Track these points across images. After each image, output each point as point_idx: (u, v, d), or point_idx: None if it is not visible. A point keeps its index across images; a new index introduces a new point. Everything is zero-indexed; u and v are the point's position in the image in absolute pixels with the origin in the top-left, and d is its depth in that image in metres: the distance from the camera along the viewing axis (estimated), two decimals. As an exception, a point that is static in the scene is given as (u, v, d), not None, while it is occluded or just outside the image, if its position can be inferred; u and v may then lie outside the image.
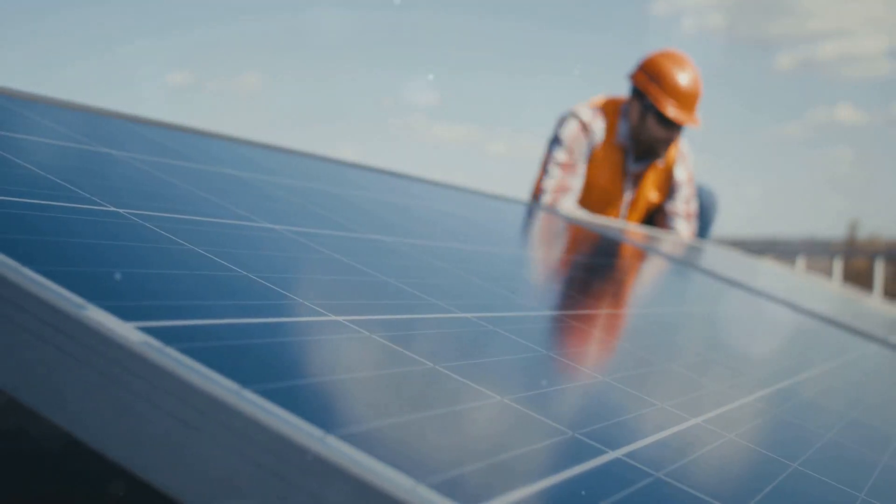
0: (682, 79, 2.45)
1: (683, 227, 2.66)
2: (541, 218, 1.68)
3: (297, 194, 0.82)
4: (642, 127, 2.47)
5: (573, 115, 2.49)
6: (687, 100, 2.47)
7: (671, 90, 2.45)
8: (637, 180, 2.59)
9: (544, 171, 2.54)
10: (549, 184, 2.45)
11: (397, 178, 1.29)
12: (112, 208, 0.54)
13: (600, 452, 0.40)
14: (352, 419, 0.34)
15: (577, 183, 2.48)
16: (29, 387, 0.35)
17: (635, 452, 0.42)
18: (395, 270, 0.65)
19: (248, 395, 0.33)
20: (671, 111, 2.45)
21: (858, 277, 8.01)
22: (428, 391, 0.41)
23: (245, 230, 0.61)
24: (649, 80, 2.45)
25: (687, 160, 2.64)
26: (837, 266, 4.92)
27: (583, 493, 0.35)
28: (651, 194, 2.62)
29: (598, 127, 2.48)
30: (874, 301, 3.11)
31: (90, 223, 0.49)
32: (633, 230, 2.08)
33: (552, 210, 1.94)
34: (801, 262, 5.03)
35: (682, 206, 2.65)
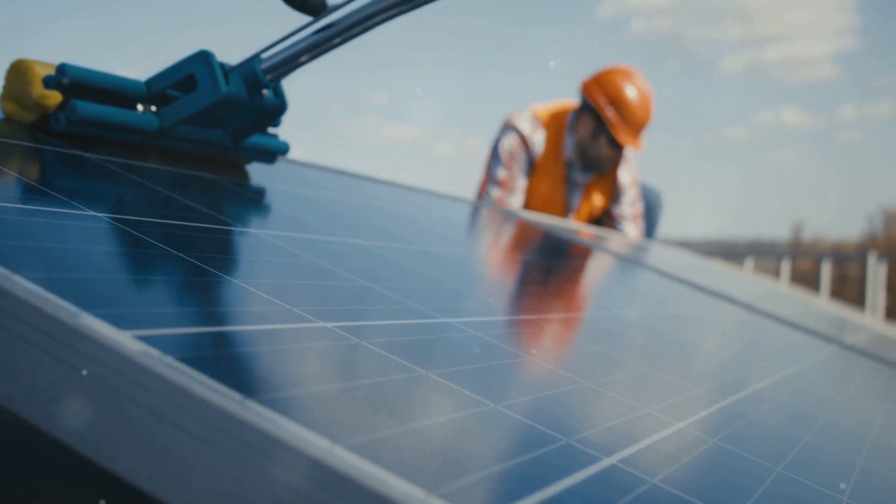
0: (641, 108, 2.47)
1: (631, 230, 2.68)
2: (491, 216, 1.69)
3: (265, 195, 0.81)
4: (592, 144, 2.48)
5: (513, 128, 2.47)
6: (641, 127, 2.49)
7: (629, 118, 2.46)
8: (583, 189, 2.61)
9: (485, 185, 2.53)
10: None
11: (358, 179, 1.28)
12: (90, 212, 0.53)
13: (596, 459, 0.41)
14: (359, 428, 0.34)
15: (517, 200, 2.49)
16: (25, 397, 0.34)
17: (633, 459, 0.43)
18: (378, 274, 0.64)
19: (254, 405, 0.32)
20: (626, 139, 2.47)
21: (804, 278, 8.16)
22: (424, 399, 0.41)
23: (220, 234, 0.60)
24: (608, 103, 2.45)
25: (630, 163, 2.66)
26: (785, 267, 5.00)
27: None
28: (596, 200, 2.64)
29: (539, 140, 2.47)
30: (822, 302, 3.17)
31: (71, 228, 0.48)
32: (585, 231, 2.10)
33: (504, 209, 1.95)
34: (749, 264, 5.11)
35: (629, 209, 2.67)
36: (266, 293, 0.49)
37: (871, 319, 3.18)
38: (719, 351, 0.99)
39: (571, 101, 2.59)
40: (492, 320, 0.64)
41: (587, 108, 2.48)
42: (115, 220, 0.52)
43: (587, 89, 2.49)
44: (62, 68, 0.65)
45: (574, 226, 2.13)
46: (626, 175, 2.62)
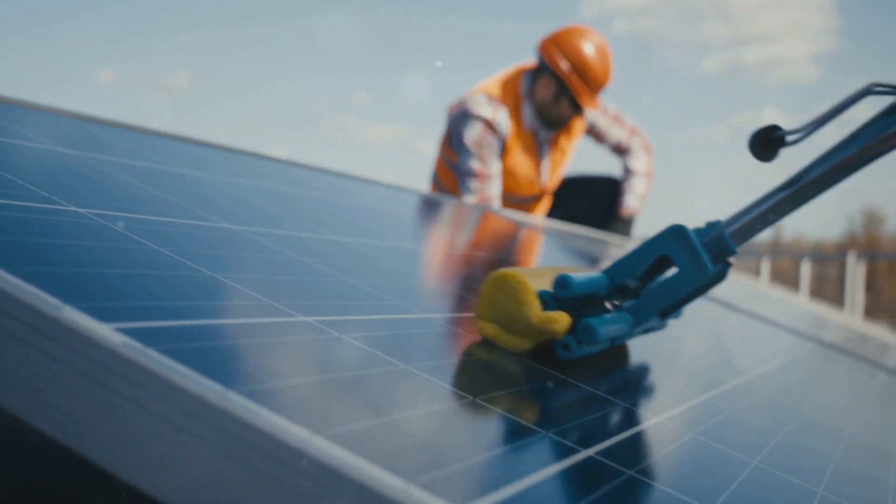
0: (601, 70, 2.44)
1: (639, 153, 2.67)
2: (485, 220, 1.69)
3: (249, 193, 0.82)
4: (553, 106, 2.44)
5: (473, 115, 2.39)
6: (601, 88, 2.48)
7: (591, 81, 2.43)
8: (549, 145, 2.55)
9: (446, 175, 2.48)
10: (470, 199, 2.38)
11: (344, 178, 1.29)
12: (72, 208, 0.53)
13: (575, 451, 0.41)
14: (339, 419, 0.34)
15: (496, 188, 2.44)
16: (8, 390, 0.34)
17: (612, 451, 0.43)
18: (357, 271, 0.65)
19: (235, 396, 0.33)
20: (588, 102, 2.45)
21: (783, 277, 8.22)
22: (403, 391, 0.42)
23: (204, 230, 0.60)
24: (571, 70, 2.41)
25: (605, 108, 2.64)
26: (765, 266, 5.04)
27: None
28: (564, 145, 2.60)
29: (503, 119, 2.41)
30: (802, 300, 3.20)
31: (53, 223, 0.48)
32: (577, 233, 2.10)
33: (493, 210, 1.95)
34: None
35: (624, 134, 2.66)
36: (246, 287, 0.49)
37: (850, 318, 3.21)
38: (701, 349, 1.00)
39: (507, 67, 2.54)
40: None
41: (546, 70, 2.43)
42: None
43: (546, 51, 2.44)
44: (565, 282, 0.54)
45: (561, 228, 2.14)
46: (602, 119, 2.60)
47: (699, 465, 0.47)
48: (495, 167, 2.44)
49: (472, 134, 2.40)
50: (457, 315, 0.63)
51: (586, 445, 0.42)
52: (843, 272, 4.75)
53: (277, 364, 0.39)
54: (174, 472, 0.31)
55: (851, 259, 4.68)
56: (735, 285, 2.31)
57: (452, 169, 2.51)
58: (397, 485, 0.30)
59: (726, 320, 1.32)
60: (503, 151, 2.47)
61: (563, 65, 2.40)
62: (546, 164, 2.57)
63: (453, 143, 2.47)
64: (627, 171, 2.69)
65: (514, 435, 0.41)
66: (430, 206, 1.53)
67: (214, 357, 0.36)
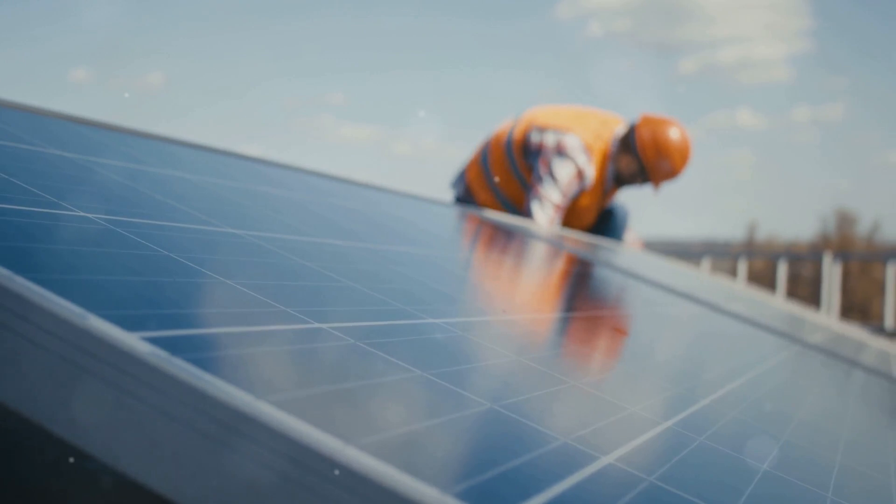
0: (681, 167, 2.74)
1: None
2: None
3: (248, 197, 0.81)
4: (628, 178, 2.76)
5: (569, 157, 2.65)
6: (673, 178, 2.77)
7: (669, 175, 2.74)
8: (611, 194, 2.88)
9: (534, 199, 2.67)
10: (544, 220, 2.62)
11: (331, 180, 1.28)
12: (81, 213, 0.52)
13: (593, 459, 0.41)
14: (368, 428, 0.34)
15: (559, 220, 2.74)
16: (32, 399, 0.34)
17: (629, 458, 0.43)
18: (368, 277, 0.65)
19: (265, 405, 0.32)
20: (660, 186, 2.77)
21: (759, 278, 8.27)
22: (429, 399, 0.42)
23: (211, 235, 0.60)
24: (659, 159, 2.70)
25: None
26: (742, 267, 5.06)
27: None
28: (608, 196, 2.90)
29: (590, 174, 2.68)
30: (780, 301, 3.22)
31: (67, 229, 0.48)
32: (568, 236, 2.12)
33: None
34: (706, 264, 5.17)
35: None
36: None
37: (828, 319, 3.23)
38: (693, 351, 1.01)
39: (596, 112, 2.80)
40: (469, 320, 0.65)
41: (634, 151, 2.69)
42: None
43: (641, 139, 2.69)
44: None
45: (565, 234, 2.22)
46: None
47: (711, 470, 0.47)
48: (567, 204, 2.71)
49: (564, 173, 2.64)
50: (473, 319, 0.63)
51: (605, 452, 0.43)
52: (816, 272, 4.79)
53: (304, 372, 0.39)
54: (204, 481, 0.31)
55: (828, 260, 4.72)
56: (719, 287, 2.32)
57: (518, 179, 2.73)
58: (433, 494, 0.30)
59: (714, 322, 1.32)
60: (577, 194, 2.73)
61: (652, 156, 2.67)
62: (599, 208, 2.85)
63: (538, 166, 2.67)
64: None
65: (541, 442, 0.41)
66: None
67: (240, 366, 0.36)
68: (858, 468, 0.62)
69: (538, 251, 1.53)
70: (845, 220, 16.85)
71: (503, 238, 1.53)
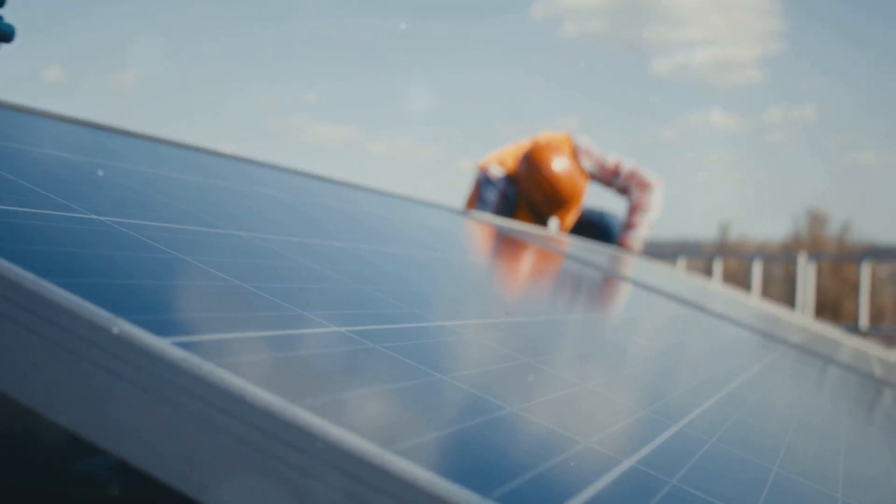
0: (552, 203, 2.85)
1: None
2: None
3: (246, 199, 0.81)
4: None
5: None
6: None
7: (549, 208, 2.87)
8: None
9: None
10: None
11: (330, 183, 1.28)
12: (92, 216, 0.52)
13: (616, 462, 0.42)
14: (409, 433, 0.34)
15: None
16: (63, 405, 0.33)
17: (649, 459, 0.44)
18: (386, 279, 0.65)
19: (300, 411, 0.32)
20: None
21: (733, 278, 8.33)
22: (447, 401, 0.42)
23: (221, 238, 0.60)
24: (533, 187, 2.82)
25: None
26: (718, 267, 5.10)
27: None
28: None
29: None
30: (757, 301, 3.24)
31: (79, 232, 0.47)
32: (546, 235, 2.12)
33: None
34: (681, 264, 5.20)
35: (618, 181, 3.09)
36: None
37: (806, 319, 3.26)
38: (685, 352, 1.01)
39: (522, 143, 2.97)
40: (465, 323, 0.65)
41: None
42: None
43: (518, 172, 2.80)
44: None
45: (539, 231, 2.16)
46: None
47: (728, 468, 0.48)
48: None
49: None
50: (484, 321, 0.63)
51: (628, 455, 0.43)
52: (788, 272, 4.83)
53: (330, 374, 0.39)
54: (248, 488, 0.31)
55: (802, 260, 4.77)
56: (697, 287, 2.33)
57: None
58: (471, 498, 0.30)
59: (700, 323, 1.33)
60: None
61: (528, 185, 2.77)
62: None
63: None
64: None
65: (566, 446, 0.41)
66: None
67: (275, 370, 0.36)
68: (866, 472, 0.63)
69: (538, 251, 1.54)
70: (817, 221, 17.00)
71: (503, 240, 1.53)
